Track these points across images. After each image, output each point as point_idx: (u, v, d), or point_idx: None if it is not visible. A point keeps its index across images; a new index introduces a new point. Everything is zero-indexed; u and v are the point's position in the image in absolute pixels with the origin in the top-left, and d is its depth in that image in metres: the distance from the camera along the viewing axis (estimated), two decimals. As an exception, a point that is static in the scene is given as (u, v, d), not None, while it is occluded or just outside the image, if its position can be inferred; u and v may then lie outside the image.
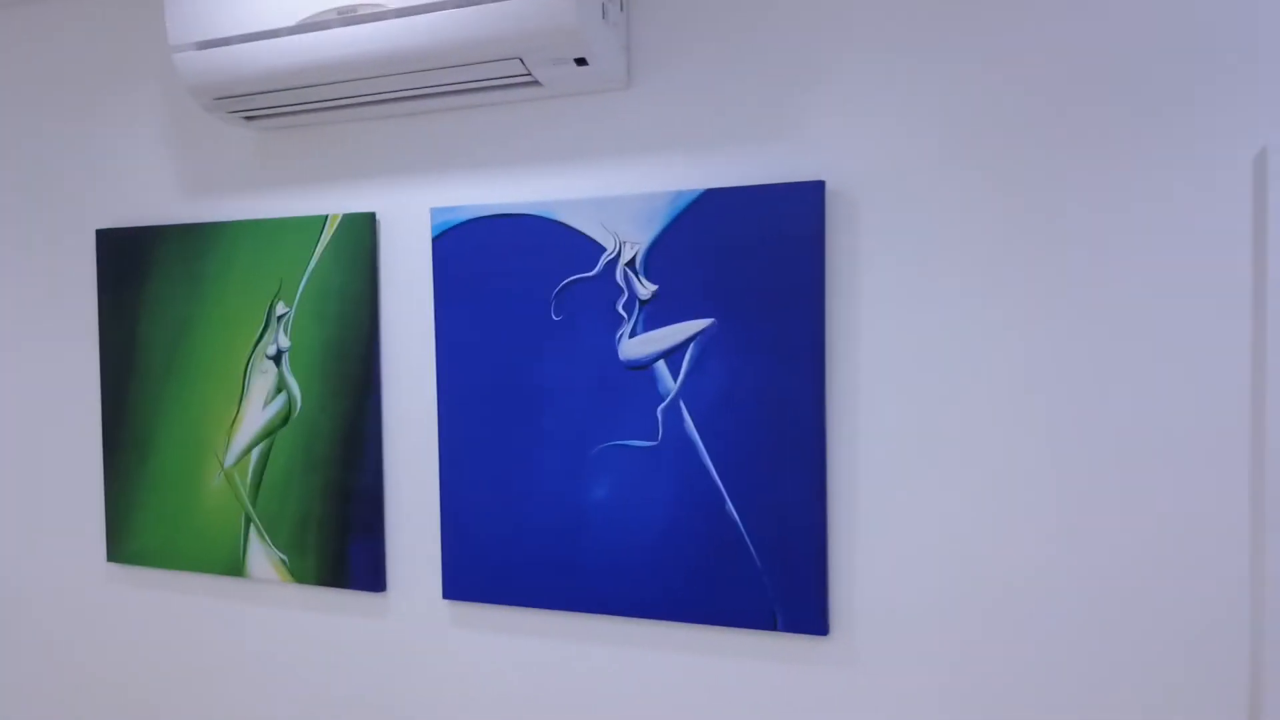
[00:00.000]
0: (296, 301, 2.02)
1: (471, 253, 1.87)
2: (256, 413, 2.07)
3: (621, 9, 1.76)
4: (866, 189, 1.66)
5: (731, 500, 1.70)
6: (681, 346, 1.72)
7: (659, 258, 1.73)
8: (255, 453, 2.08)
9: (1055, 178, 1.57)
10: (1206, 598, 1.53)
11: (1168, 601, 1.55)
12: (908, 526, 1.66)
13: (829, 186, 1.67)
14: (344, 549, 2.03)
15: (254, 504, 2.09)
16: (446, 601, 1.98)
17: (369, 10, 1.67)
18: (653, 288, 1.73)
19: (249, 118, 1.96)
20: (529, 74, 1.70)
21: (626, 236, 1.75)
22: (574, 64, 1.68)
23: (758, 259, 1.67)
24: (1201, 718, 1.54)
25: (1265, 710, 1.53)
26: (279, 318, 2.04)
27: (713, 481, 1.71)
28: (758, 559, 1.70)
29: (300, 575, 2.07)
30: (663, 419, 1.74)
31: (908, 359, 1.65)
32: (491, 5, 1.59)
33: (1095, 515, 1.57)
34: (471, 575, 1.91)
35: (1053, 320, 1.58)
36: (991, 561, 1.63)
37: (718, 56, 1.74)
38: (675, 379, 1.72)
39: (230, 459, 2.10)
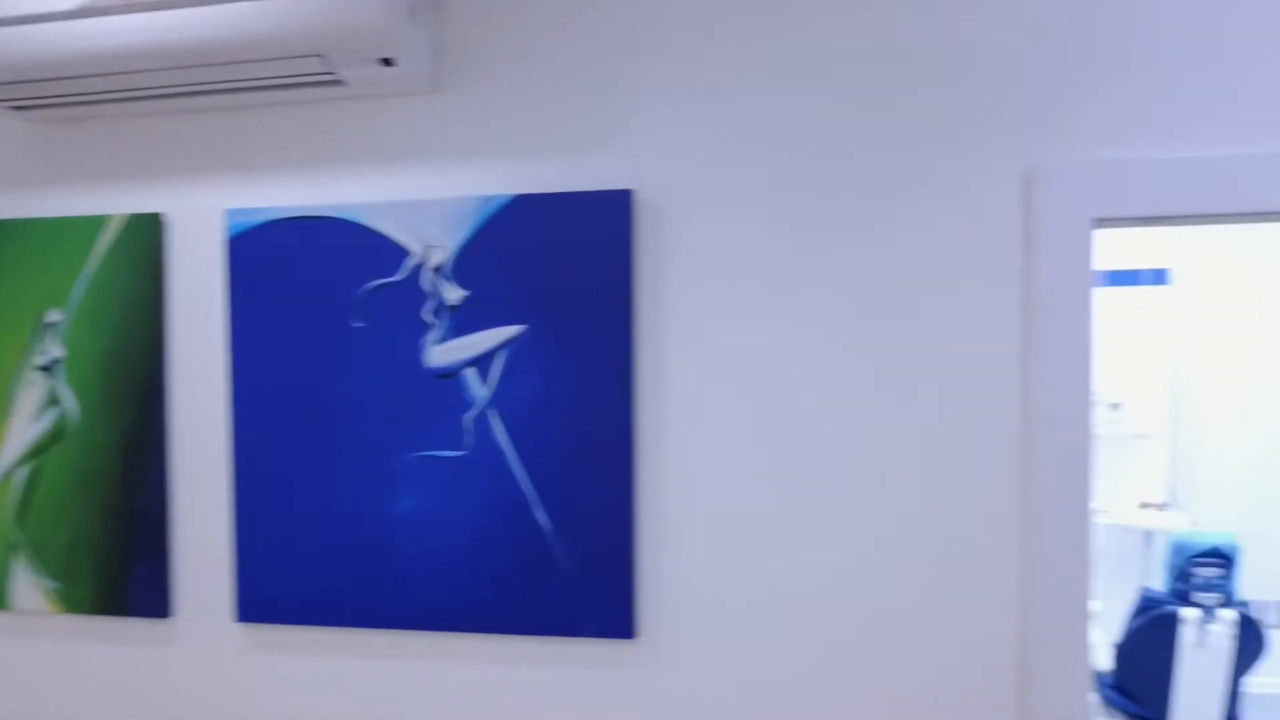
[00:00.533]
0: (73, 308, 1.86)
1: (270, 257, 1.78)
2: (23, 429, 1.90)
3: (431, 10, 1.73)
4: (675, 198, 1.70)
5: (541, 508, 1.69)
6: (491, 353, 1.70)
7: (468, 263, 1.70)
8: (22, 473, 1.90)
9: (846, 191, 1.65)
10: (980, 589, 1.65)
11: (947, 595, 1.65)
12: (714, 528, 1.70)
13: (639, 195, 1.70)
14: (124, 574, 1.88)
15: (20, 529, 1.91)
16: (241, 625, 1.87)
17: (155, -4, 1.57)
18: (462, 293, 1.70)
19: (18, 107, 1.80)
20: (331, 73, 1.65)
21: (434, 241, 1.71)
22: (380, 64, 1.64)
23: (569, 266, 1.68)
24: (975, 705, 1.65)
25: (1032, 704, 1.65)
26: (49, 325, 1.88)
27: (522, 489, 1.70)
28: (566, 566, 1.69)
29: (73, 605, 1.90)
30: (471, 428, 1.71)
31: (714, 364, 1.69)
32: (290, -2, 1.54)
33: (887, 515, 1.66)
34: (269, 596, 1.81)
35: (847, 326, 1.66)
36: (794, 560, 1.69)
37: (530, 62, 1.74)
38: (485, 386, 1.70)
39: (-8, 480, 1.91)
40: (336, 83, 1.69)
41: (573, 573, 1.69)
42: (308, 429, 1.77)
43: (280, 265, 1.78)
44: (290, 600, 1.80)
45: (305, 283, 1.77)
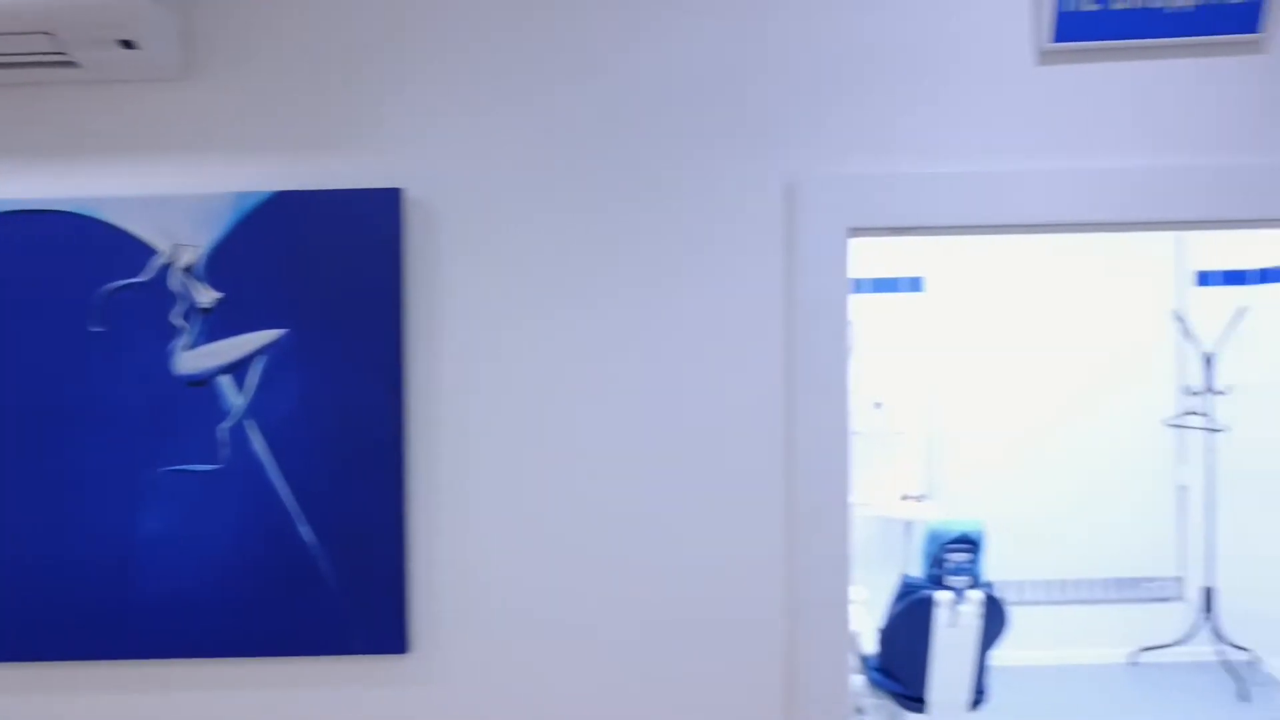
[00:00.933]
0: None
1: (-9, 254, 1.60)
2: None
3: (177, -8, 1.61)
4: (448, 198, 1.66)
5: (305, 522, 1.61)
6: (248, 359, 1.60)
7: (223, 263, 1.60)
8: None
9: (619, 196, 1.67)
10: (748, 583, 1.70)
11: (717, 591, 1.70)
12: (491, 535, 1.67)
13: (409, 194, 1.65)
14: None
15: None
16: (-42, 666, 1.67)
17: None
18: (215, 295, 1.59)
19: None
20: (62, 53, 1.50)
21: (184, 239, 1.59)
22: (119, 46, 1.51)
23: (334, 267, 1.61)
24: (742, 697, 1.71)
25: (798, 702, 1.72)
26: None
27: (284, 503, 1.61)
28: (334, 581, 1.61)
29: None
30: (226, 439, 1.60)
31: (491, 369, 1.67)
32: (10, -33, 1.39)
33: (661, 515, 1.68)
34: (-9, 631, 1.62)
35: (620, 327, 1.67)
36: (573, 562, 1.68)
37: (291, 51, 1.65)
38: (241, 394, 1.60)
39: None
40: (69, 64, 1.54)
41: (341, 588, 1.62)
42: (39, 444, 1.61)
43: (4, 264, 1.60)
44: (17, 635, 1.62)
45: (33, 284, 1.60)
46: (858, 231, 1.72)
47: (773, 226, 1.68)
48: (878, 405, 4.51)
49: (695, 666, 1.70)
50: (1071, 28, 1.63)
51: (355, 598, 1.62)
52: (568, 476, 1.68)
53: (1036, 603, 4.69)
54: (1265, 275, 4.32)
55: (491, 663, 1.68)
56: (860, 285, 4.53)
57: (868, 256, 4.50)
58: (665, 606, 1.69)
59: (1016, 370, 4.63)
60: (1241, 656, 4.48)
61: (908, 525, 4.39)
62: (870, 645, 3.49)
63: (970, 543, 3.29)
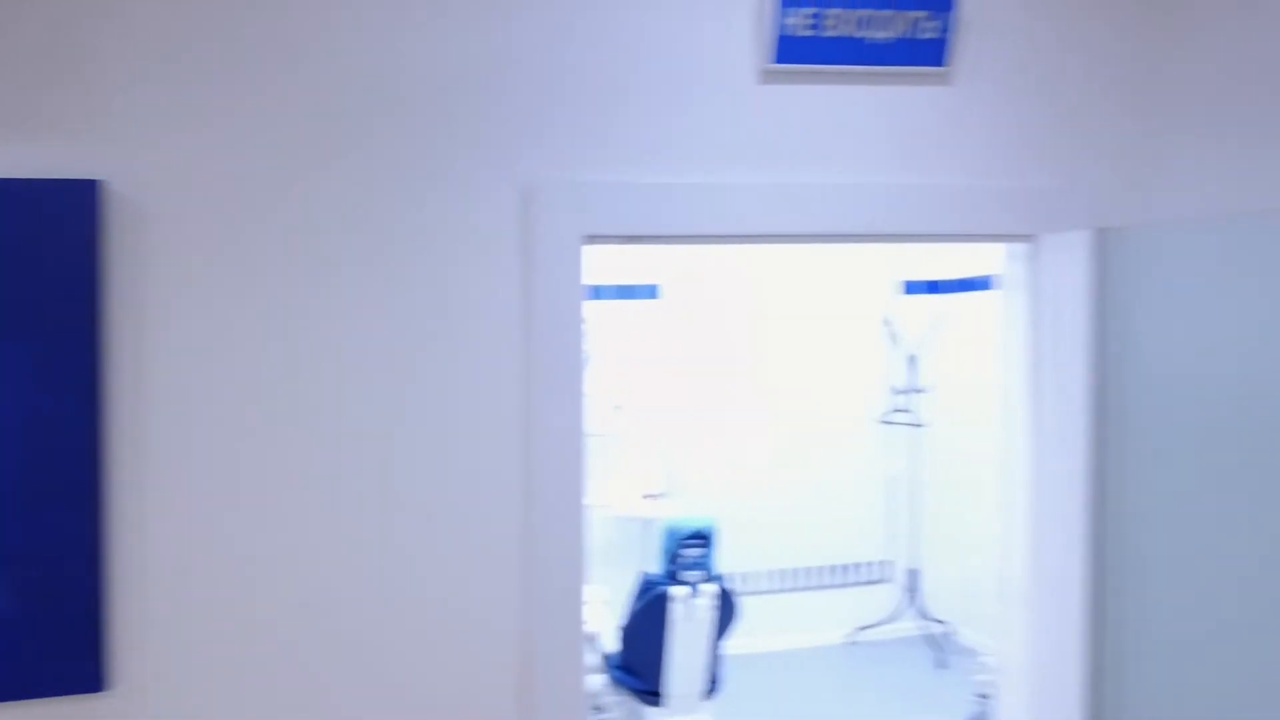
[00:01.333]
0: None
1: None
2: None
3: None
4: (159, 194, 1.52)
5: (-20, 550, 1.42)
6: (-94, 367, 1.39)
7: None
8: None
9: (348, 197, 1.60)
10: (486, 586, 1.68)
11: (455, 595, 1.67)
12: (206, 558, 1.55)
13: (111, 188, 1.50)
14: None
15: None
16: None
17: None
18: None
19: None
20: None
21: None
22: None
23: (18, 265, 1.43)
24: (478, 700, 1.69)
25: (533, 703, 1.72)
26: None
27: (-48, 530, 1.41)
28: (19, 618, 1.44)
29: None
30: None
31: (207, 379, 1.55)
32: None
33: (396, 527, 1.63)
34: None
35: (352, 332, 1.61)
36: (294, 585, 1.59)
37: (-43, 20, 1.46)
38: (-103, 407, 1.39)
39: None
40: None
41: (26, 625, 1.44)
42: None
43: None
44: None
45: None
46: (593, 239, 1.75)
47: (508, 232, 1.67)
48: (618, 408, 4.61)
49: (428, 673, 1.65)
50: (789, 50, 1.74)
51: (45, 634, 1.45)
52: (292, 491, 1.59)
53: (764, 592, 4.97)
54: (961, 285, 4.81)
55: (205, 695, 1.56)
56: (601, 292, 4.62)
57: (608, 264, 4.60)
58: (398, 613, 1.64)
59: (746, 371, 4.89)
60: (940, 629, 4.96)
61: (647, 523, 4.51)
62: (612, 644, 3.55)
63: (703, 538, 3.43)
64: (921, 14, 1.76)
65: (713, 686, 3.49)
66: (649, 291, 4.76)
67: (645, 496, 4.61)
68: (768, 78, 1.75)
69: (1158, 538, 1.82)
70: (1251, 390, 1.61)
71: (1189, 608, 1.75)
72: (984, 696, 3.67)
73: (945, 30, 1.78)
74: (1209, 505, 1.70)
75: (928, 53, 1.80)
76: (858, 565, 5.14)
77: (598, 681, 3.58)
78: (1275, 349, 1.58)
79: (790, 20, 1.71)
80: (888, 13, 1.75)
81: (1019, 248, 1.99)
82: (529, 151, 1.68)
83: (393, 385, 1.62)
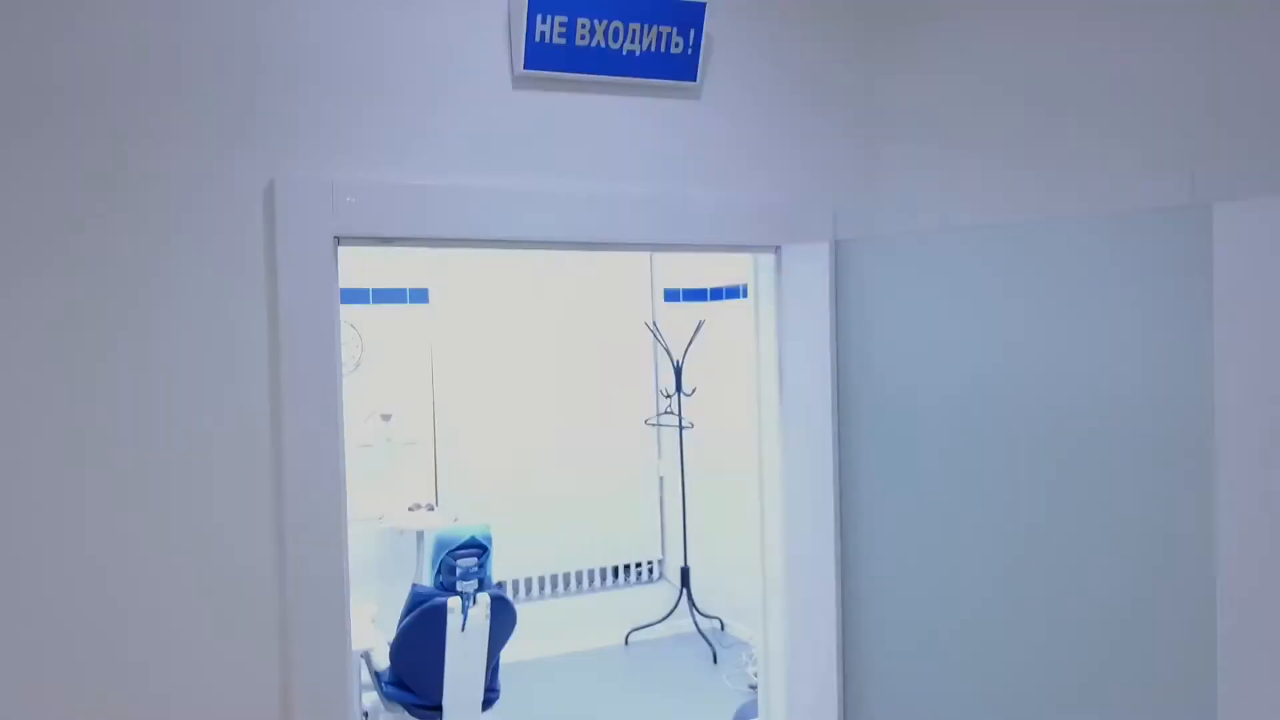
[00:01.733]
0: None
1: None
2: None
3: None
4: None
5: None
6: None
7: None
8: None
9: (83, 195, 1.48)
10: (242, 606, 1.60)
11: (209, 623, 1.57)
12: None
13: None
14: None
15: None
16: None
17: None
18: None
19: None
20: None
21: None
22: None
23: None
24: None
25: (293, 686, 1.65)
26: None
27: None
28: None
29: None
30: None
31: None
32: None
33: (145, 549, 1.52)
34: None
35: (85, 335, 1.48)
36: (36, 614, 1.45)
37: None
38: None
39: None
40: None
41: None
42: None
43: None
44: None
45: None
46: (344, 240, 1.70)
47: (253, 229, 1.60)
48: (386, 417, 4.49)
49: (186, 697, 1.55)
50: (540, 57, 1.76)
51: None
52: (35, 508, 1.45)
53: (541, 598, 4.98)
54: (715, 293, 5.02)
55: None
56: (367, 295, 4.47)
57: (374, 266, 4.47)
58: (150, 638, 1.53)
59: (517, 378, 4.89)
60: (712, 625, 5.14)
61: (419, 535, 4.41)
62: (383, 660, 3.45)
63: (479, 547, 3.40)
64: (669, 28, 1.83)
65: (491, 696, 3.46)
66: (418, 295, 4.66)
67: (411, 508, 4.50)
68: (521, 83, 1.77)
69: (890, 526, 1.97)
70: (963, 391, 1.78)
71: (920, 587, 1.91)
72: (754, 687, 3.84)
73: (693, 46, 1.86)
74: (934, 494, 1.87)
75: (679, 67, 1.87)
76: (634, 566, 5.25)
77: (368, 700, 3.47)
78: (982, 352, 1.75)
79: (542, 27, 1.74)
80: (636, 25, 1.81)
81: (765, 258, 2.10)
82: (276, 149, 1.61)
83: (129, 392, 1.51)
